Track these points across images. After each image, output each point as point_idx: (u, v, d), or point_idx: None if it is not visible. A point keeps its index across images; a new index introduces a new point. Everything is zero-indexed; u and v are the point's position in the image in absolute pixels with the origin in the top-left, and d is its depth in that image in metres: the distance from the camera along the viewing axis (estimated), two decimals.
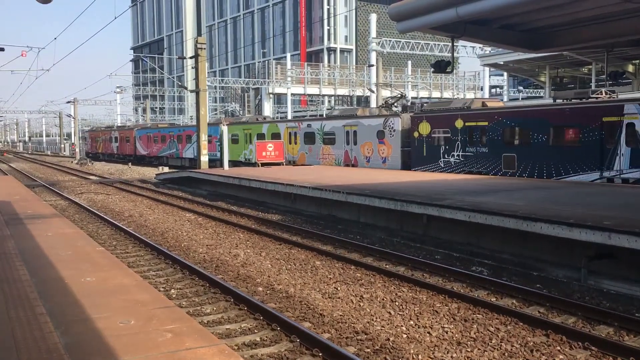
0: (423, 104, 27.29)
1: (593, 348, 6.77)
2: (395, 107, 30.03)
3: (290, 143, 31.54)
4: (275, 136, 32.59)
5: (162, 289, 9.47)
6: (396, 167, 24.40)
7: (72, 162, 55.42)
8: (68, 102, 69.68)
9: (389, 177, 20.11)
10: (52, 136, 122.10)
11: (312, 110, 64.39)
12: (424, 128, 23.47)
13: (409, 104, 30.71)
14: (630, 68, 33.24)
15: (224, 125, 35.12)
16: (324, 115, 42.50)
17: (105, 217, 17.41)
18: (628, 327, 7.45)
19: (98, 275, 7.15)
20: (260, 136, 33.98)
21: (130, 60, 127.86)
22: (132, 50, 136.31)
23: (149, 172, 38.07)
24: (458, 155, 21.90)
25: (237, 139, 36.64)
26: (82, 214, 18.95)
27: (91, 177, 35.38)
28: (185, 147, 42.87)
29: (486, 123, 20.84)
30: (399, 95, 31.56)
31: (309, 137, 30.07)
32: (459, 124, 21.95)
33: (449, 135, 22.33)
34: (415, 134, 23.93)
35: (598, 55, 28.31)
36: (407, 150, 24.42)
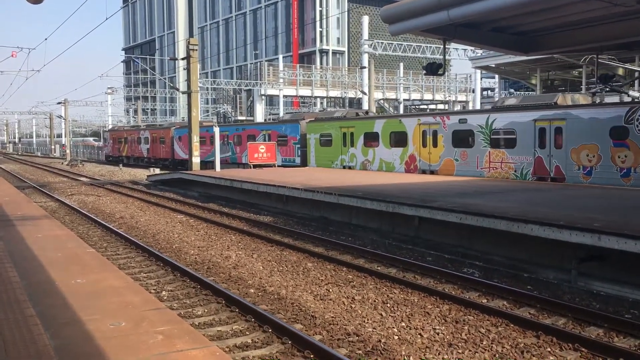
0: None
1: (583, 349, 6.80)
2: (607, 88, 21.41)
3: (424, 145, 23.13)
4: (399, 136, 24.46)
5: (153, 291, 9.43)
6: None
7: (62, 163, 55.13)
8: (59, 103, 69.09)
9: (382, 179, 20.15)
10: (43, 137, 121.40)
11: (305, 112, 64.38)
12: None
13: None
14: (620, 71, 33.51)
15: (304, 121, 30.05)
16: (461, 109, 30.78)
17: (95, 218, 17.32)
18: (618, 328, 7.50)
19: (88, 277, 7.11)
20: (371, 136, 25.94)
21: (122, 62, 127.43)
22: (124, 51, 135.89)
23: (140, 174, 37.92)
24: None
25: (329, 140, 28.46)
26: (72, 215, 18.85)
27: (82, 178, 35.20)
28: (246, 150, 34.20)
29: None
30: None
31: (463, 137, 21.66)
32: None
33: None
34: None
35: (588, 58, 28.53)
36: None
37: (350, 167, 26.94)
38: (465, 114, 22.04)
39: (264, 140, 32.47)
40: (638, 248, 8.64)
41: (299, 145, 30.51)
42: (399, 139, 24.46)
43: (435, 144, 22.69)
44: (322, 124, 28.94)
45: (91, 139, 76.85)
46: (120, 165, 49.40)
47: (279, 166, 30.23)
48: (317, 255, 12.13)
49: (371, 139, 25.86)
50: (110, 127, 72.85)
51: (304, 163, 30.00)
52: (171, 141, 43.88)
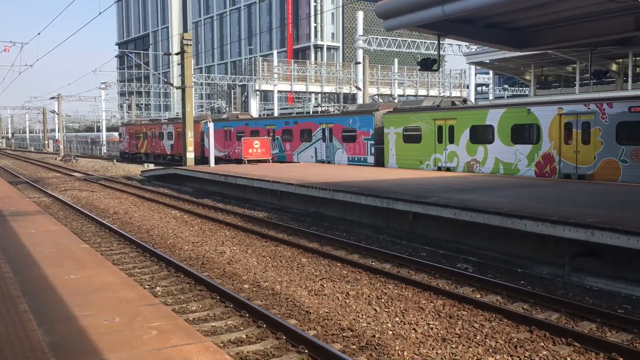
0: None
1: (576, 344, 6.84)
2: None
3: (567, 142, 18.19)
4: (527, 130, 19.43)
5: (147, 287, 9.42)
6: None
7: (56, 158, 54.89)
8: (52, 98, 68.70)
9: (376, 175, 20.15)
10: (36, 132, 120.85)
11: (299, 108, 64.30)
12: None
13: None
14: (614, 67, 33.61)
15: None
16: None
17: (89, 214, 17.26)
18: (611, 323, 7.54)
19: (82, 272, 7.09)
20: (481, 130, 20.78)
21: (116, 56, 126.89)
22: (117, 46, 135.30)
23: (134, 169, 37.81)
24: None
25: (416, 134, 23.43)
26: (66, 211, 18.78)
27: (75, 174, 35.07)
28: (299, 147, 30.11)
29: None
30: None
31: (636, 131, 16.74)
32: None
33: None
34: None
35: (582, 54, 28.59)
36: None
37: (449, 169, 22.06)
38: None
39: (323, 136, 28.49)
40: (631, 243, 8.69)
41: (372, 142, 25.51)
42: (526, 134, 19.51)
43: (586, 140, 17.74)
44: (407, 115, 23.81)
45: (116, 133, 70.70)
46: (114, 160, 49.24)
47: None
48: (312, 250, 12.14)
49: (481, 133, 20.80)
50: (126, 120, 65.66)
51: (379, 163, 25.23)
52: (201, 136, 38.27)
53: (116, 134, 65.08)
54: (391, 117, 24.65)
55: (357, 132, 26.20)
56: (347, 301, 8.68)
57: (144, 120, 55.64)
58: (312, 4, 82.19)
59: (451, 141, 21.96)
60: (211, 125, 29.61)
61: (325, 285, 9.53)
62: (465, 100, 25.09)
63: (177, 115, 68.76)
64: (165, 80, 55.80)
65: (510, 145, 19.88)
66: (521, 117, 19.67)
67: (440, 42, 15.68)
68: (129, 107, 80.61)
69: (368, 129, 25.61)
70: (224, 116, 39.81)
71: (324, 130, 28.57)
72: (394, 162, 24.48)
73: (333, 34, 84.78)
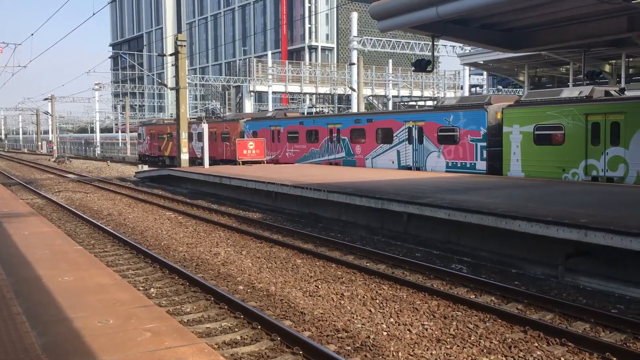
0: None
1: (570, 344, 6.86)
2: None
3: None
4: None
5: (141, 288, 9.39)
6: None
7: (49, 160, 54.67)
8: (45, 99, 68.33)
9: (371, 176, 20.16)
10: (29, 134, 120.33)
11: (293, 109, 64.24)
12: None
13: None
14: (607, 68, 33.77)
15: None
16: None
17: (83, 215, 17.20)
18: (604, 323, 7.57)
19: (76, 274, 7.06)
20: None
21: (109, 57, 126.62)
22: (111, 47, 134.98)
23: (129, 171, 37.70)
24: None
25: (555, 134, 18.17)
26: (59, 212, 18.70)
27: (69, 175, 34.94)
28: (374, 150, 25.21)
29: None
30: None
31: None
32: None
33: None
34: None
35: (576, 55, 28.73)
36: None
37: (610, 179, 16.76)
38: None
39: (409, 136, 23.36)
40: (624, 244, 8.73)
41: (483, 143, 20.44)
42: None
43: None
44: (541, 109, 18.60)
45: (111, 134, 64.55)
46: (108, 161, 49.07)
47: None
48: (307, 251, 12.13)
49: None
50: (145, 120, 59.71)
51: (494, 170, 20.25)
52: (240, 137, 34.37)
53: (111, 135, 64.72)
54: (515, 113, 19.37)
55: (460, 131, 21.20)
56: (342, 302, 8.68)
57: (167, 119, 51.05)
58: (307, 5, 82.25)
59: (615, 143, 16.72)
60: (205, 126, 29.56)
61: (320, 286, 9.53)
62: (623, 90, 19.43)
63: (172, 115, 68.56)
64: (160, 81, 55.49)
65: None
66: None
67: (435, 43, 15.72)
68: (123, 108, 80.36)
69: (478, 127, 20.56)
70: (269, 114, 35.54)
71: (410, 129, 23.29)
72: (518, 169, 19.28)
73: (327, 35, 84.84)
